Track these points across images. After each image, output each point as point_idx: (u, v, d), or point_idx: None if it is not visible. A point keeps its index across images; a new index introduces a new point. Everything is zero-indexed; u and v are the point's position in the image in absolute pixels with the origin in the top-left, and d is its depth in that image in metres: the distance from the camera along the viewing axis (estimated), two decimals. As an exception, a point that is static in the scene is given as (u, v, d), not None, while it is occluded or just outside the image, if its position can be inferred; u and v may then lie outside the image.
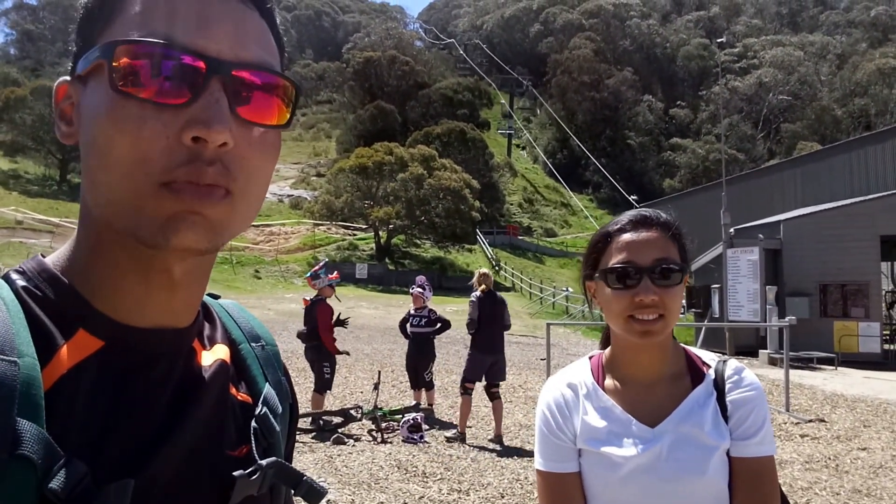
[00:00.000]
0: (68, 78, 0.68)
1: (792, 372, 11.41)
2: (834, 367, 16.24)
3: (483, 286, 8.49)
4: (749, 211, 22.89)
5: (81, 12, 0.68)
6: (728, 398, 1.47)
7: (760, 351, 17.56)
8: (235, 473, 0.71)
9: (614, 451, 1.45)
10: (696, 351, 1.58)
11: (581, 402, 1.52)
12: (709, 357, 1.56)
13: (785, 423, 9.45)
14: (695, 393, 1.48)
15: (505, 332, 8.65)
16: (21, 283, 0.66)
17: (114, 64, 0.61)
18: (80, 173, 0.69)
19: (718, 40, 50.55)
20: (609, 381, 1.53)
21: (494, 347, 8.51)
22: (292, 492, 0.79)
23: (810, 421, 9.61)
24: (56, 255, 0.70)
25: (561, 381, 1.57)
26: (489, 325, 8.40)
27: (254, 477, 0.72)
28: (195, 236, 0.63)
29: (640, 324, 1.43)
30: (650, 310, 1.42)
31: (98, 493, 0.58)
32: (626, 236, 1.49)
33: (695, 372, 1.52)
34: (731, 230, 20.05)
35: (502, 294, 8.87)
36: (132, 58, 0.61)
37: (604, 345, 1.64)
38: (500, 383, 8.57)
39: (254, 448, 0.75)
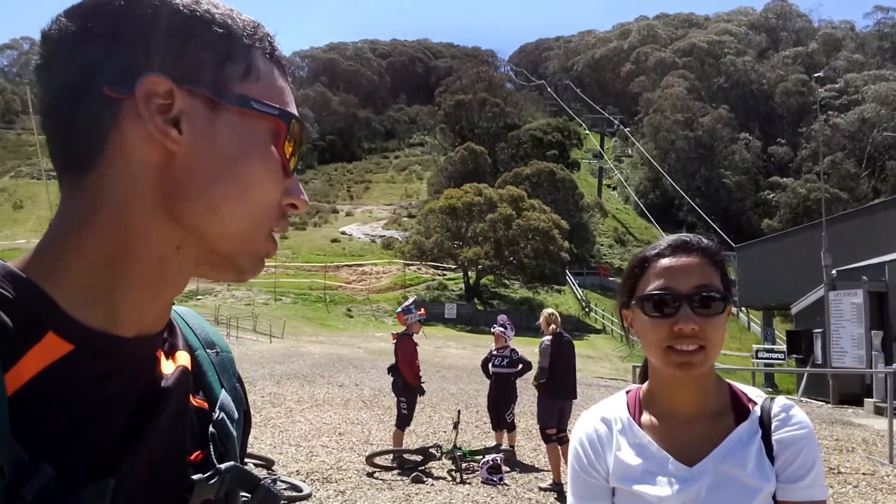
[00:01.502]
0: (167, 78, 0.66)
1: (900, 422, 10.69)
2: (949, 419, 15.11)
3: (552, 326, 8.36)
4: (852, 252, 21.77)
5: (202, 36, 0.69)
6: (774, 437, 1.39)
7: (866, 400, 16.51)
8: (194, 477, 0.72)
9: (649, 490, 1.39)
10: (741, 387, 1.50)
11: (615, 438, 1.46)
12: (755, 393, 1.48)
13: (888, 476, 8.87)
14: (738, 431, 1.40)
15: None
16: None
17: (290, 131, 0.73)
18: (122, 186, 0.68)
19: (816, 74, 48.73)
20: (646, 417, 1.47)
21: (568, 392, 8.30)
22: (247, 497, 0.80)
23: (920, 475, 8.97)
24: (20, 260, 0.69)
25: (595, 416, 1.52)
26: (562, 368, 8.22)
27: (212, 481, 0.73)
28: (262, 270, 0.76)
29: (679, 355, 1.36)
30: (690, 340, 1.35)
31: (66, 499, 0.59)
32: (665, 261, 1.43)
33: (739, 409, 1.44)
34: (834, 272, 19.16)
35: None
36: (298, 132, 0.74)
37: (642, 379, 1.59)
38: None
39: (212, 453, 0.76)
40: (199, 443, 0.77)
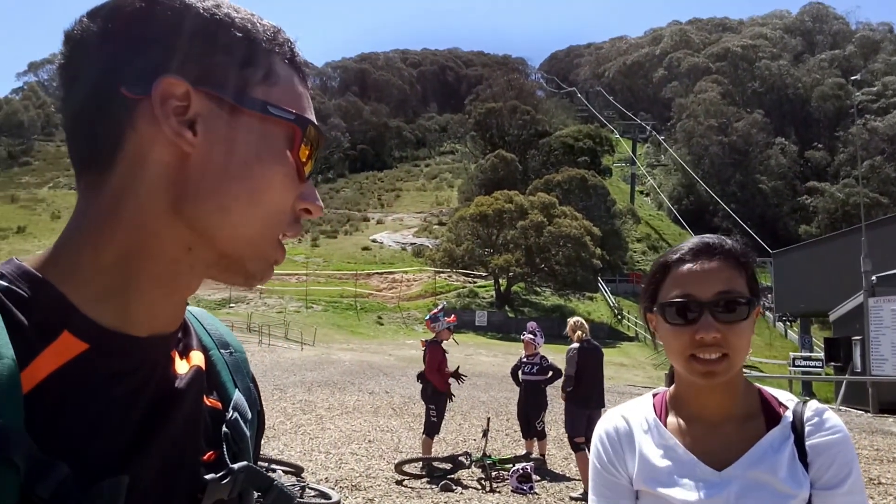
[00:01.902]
0: (183, 80, 0.66)
1: (945, 432, 10.39)
2: None
3: (579, 332, 8.25)
4: (893, 257, 21.29)
5: (222, 39, 0.69)
6: (808, 442, 1.32)
7: (908, 409, 16.16)
8: (207, 476, 0.73)
9: (675, 494, 1.33)
10: (772, 391, 1.44)
11: (639, 437, 1.41)
12: (786, 397, 1.42)
13: (935, 489, 8.59)
14: (769, 436, 1.34)
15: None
16: (1, 284, 0.65)
17: (306, 136, 0.73)
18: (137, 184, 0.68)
19: (853, 77, 47.86)
20: (672, 419, 1.42)
21: (596, 401, 8.15)
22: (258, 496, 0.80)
23: (966, 487, 8.68)
24: (34, 259, 0.69)
25: (617, 415, 1.47)
26: (589, 376, 8.08)
27: (225, 481, 0.73)
28: (270, 277, 0.77)
29: (702, 364, 1.31)
30: (712, 349, 1.30)
31: (81, 495, 0.59)
32: (686, 267, 1.37)
33: (769, 413, 1.38)
34: (873, 278, 18.77)
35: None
36: (314, 138, 0.74)
37: (669, 382, 1.53)
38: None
39: (225, 453, 0.77)
40: (213, 443, 0.77)
